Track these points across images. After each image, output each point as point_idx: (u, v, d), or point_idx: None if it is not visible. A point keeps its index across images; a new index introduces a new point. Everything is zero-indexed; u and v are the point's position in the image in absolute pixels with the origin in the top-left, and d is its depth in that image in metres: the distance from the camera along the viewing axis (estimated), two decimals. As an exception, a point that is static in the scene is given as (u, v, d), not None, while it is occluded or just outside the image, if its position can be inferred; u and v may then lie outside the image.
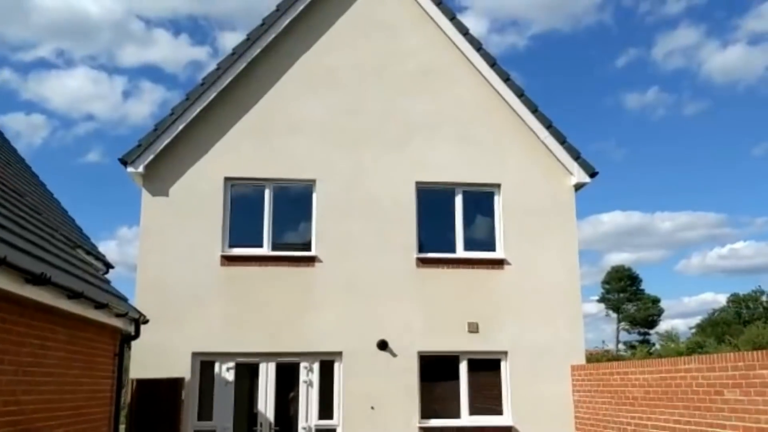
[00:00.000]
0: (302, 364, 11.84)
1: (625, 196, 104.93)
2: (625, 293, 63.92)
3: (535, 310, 12.27)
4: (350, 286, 12.04)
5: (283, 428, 11.70)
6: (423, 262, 12.33)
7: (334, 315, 11.91)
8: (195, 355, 11.55)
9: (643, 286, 65.81)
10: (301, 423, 11.64)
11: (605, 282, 66.46)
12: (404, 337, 11.96)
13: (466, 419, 11.89)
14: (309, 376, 11.81)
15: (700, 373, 8.18)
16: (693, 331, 61.31)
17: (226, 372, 11.66)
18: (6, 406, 5.97)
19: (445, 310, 12.15)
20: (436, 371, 12.17)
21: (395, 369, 11.82)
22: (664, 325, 63.87)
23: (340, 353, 11.85)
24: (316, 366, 11.87)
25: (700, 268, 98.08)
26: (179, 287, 11.69)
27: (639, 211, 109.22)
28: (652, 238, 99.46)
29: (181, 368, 11.33)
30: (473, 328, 12.11)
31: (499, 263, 12.46)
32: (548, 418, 11.73)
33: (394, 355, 11.90)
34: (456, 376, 12.11)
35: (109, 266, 14.90)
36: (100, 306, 7.76)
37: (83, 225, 18.08)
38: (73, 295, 6.87)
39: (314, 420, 11.67)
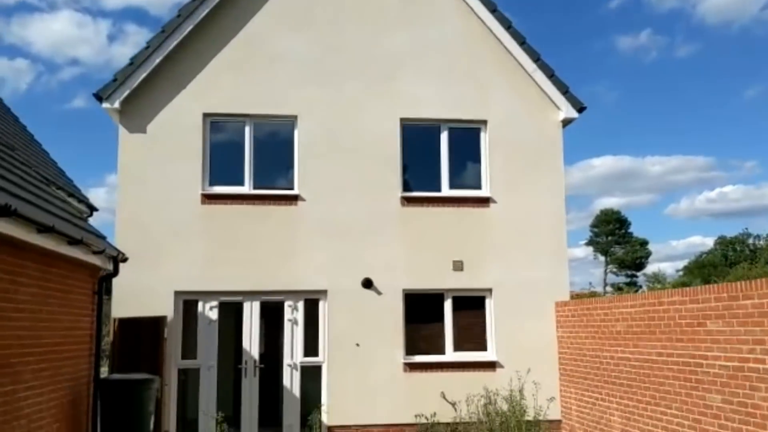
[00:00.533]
0: (287, 303, 11.78)
1: (616, 141, 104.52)
2: (614, 236, 64.28)
3: (521, 247, 12.20)
4: (334, 225, 11.90)
5: (268, 365, 11.71)
6: (408, 201, 12.17)
7: (319, 253, 11.80)
8: (177, 294, 11.45)
9: (631, 229, 66.38)
10: (286, 360, 11.64)
11: (594, 225, 66.85)
12: (389, 275, 11.89)
13: (450, 355, 11.93)
14: (294, 315, 11.76)
15: (684, 305, 8.14)
16: (680, 273, 62.06)
17: (209, 311, 11.59)
18: (-25, 340, 5.83)
19: (430, 249, 12.06)
20: (421, 309, 12.14)
21: (380, 307, 11.79)
22: (651, 268, 64.64)
23: (324, 291, 11.79)
24: (300, 304, 11.81)
25: (688, 211, 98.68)
26: (159, 226, 11.52)
27: (630, 155, 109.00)
28: (641, 182, 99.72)
29: (164, 307, 11.24)
30: (458, 267, 12.05)
31: (484, 201, 12.32)
32: (532, 353, 11.78)
33: (379, 293, 11.85)
34: (441, 314, 12.10)
35: (92, 209, 14.64)
36: (74, 242, 7.58)
37: (71, 173, 17.74)
38: (43, 229, 6.67)
39: (299, 357, 11.67)
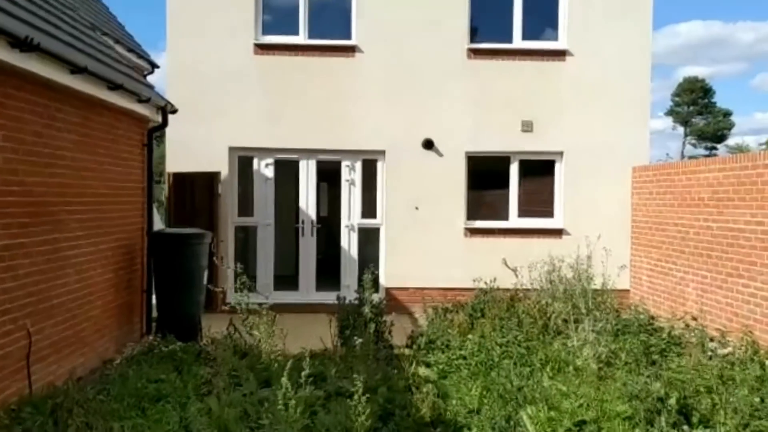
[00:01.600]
0: (344, 163, 11.29)
1: (706, 3, 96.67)
2: (696, 106, 60.50)
3: (598, 107, 11.19)
4: (394, 79, 11.12)
5: (325, 226, 11.44)
6: (475, 53, 11.19)
7: (377, 110, 11.12)
8: (232, 149, 11.09)
9: (715, 99, 62.41)
10: (344, 221, 11.32)
11: (675, 95, 63.00)
12: (452, 135, 11.17)
13: (514, 221, 11.36)
14: (351, 175, 11.30)
15: (783, 169, 7.22)
16: (764, 147, 58.69)
17: (265, 168, 11.23)
18: (8, 185, 5.55)
19: (497, 107, 11.20)
20: (485, 173, 11.48)
21: (441, 169, 11.17)
22: (732, 141, 61.21)
23: (383, 152, 11.21)
24: (358, 165, 11.30)
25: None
26: (211, 78, 10.99)
27: (720, 20, 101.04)
28: (731, 50, 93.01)
29: (218, 164, 10.94)
30: (527, 127, 11.20)
31: (560, 54, 11.21)
32: (602, 221, 11.07)
33: (440, 154, 11.19)
34: (506, 179, 11.42)
35: (153, 65, 14.15)
36: (114, 87, 7.13)
37: (141, 36, 17.01)
38: (76, 69, 6.20)
39: (357, 219, 11.32)
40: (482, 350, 7.15)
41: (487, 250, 11.15)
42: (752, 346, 6.93)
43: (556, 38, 11.28)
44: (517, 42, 11.25)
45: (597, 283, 9.90)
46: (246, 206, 11.30)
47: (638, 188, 10.90)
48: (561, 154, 11.27)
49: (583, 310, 7.27)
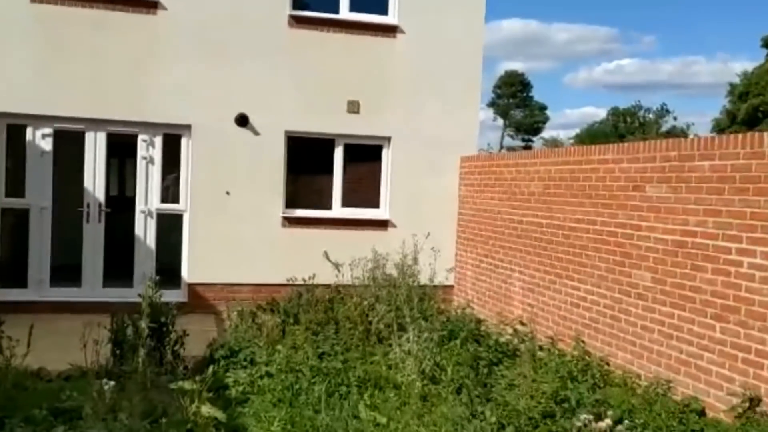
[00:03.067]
0: (141, 137, 9.62)
1: (525, 3, 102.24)
2: (515, 99, 63.65)
3: (428, 90, 10.43)
4: (204, 44, 9.63)
5: (117, 211, 9.72)
6: (298, 22, 9.97)
7: (183, 79, 9.57)
8: (-2, 116, 9.06)
9: (533, 93, 66.15)
10: (139, 206, 9.67)
11: (497, 87, 65.88)
12: (270, 112, 9.90)
13: (338, 211, 10.35)
14: (149, 152, 9.67)
15: (618, 165, 6.76)
16: (572, 141, 62.93)
17: (41, 140, 9.28)
18: None
19: (321, 84, 10.08)
20: (306, 156, 10.35)
21: (257, 150, 9.87)
22: (545, 134, 65.18)
23: (188, 126, 9.69)
24: (158, 140, 9.69)
25: (586, 82, 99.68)
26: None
27: (537, 19, 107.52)
28: (545, 49, 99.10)
29: (-20, 132, 8.86)
30: (354, 108, 10.20)
31: (391, 30, 10.30)
32: (429, 212, 10.38)
33: (256, 133, 9.89)
34: (329, 164, 10.35)
35: None
36: None
37: None
38: None
39: (155, 203, 9.72)
40: (291, 366, 6.04)
41: (307, 241, 10.05)
42: (584, 356, 6.43)
43: (386, 11, 10.34)
44: (345, 12, 10.18)
45: (423, 279, 9.18)
46: (16, 185, 9.29)
47: (466, 179, 10.32)
48: (389, 139, 10.41)
49: (407, 317, 6.38)
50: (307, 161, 10.35)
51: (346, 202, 10.40)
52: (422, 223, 10.24)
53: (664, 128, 63.09)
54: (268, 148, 9.91)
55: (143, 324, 5.50)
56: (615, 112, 67.52)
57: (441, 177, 10.45)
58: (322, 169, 10.36)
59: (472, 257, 9.97)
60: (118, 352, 5.85)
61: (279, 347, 6.62)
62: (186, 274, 9.79)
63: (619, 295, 6.63)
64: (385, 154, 10.47)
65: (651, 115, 67.01)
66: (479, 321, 8.00)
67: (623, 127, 64.60)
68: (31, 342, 5.81)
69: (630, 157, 6.61)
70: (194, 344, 7.41)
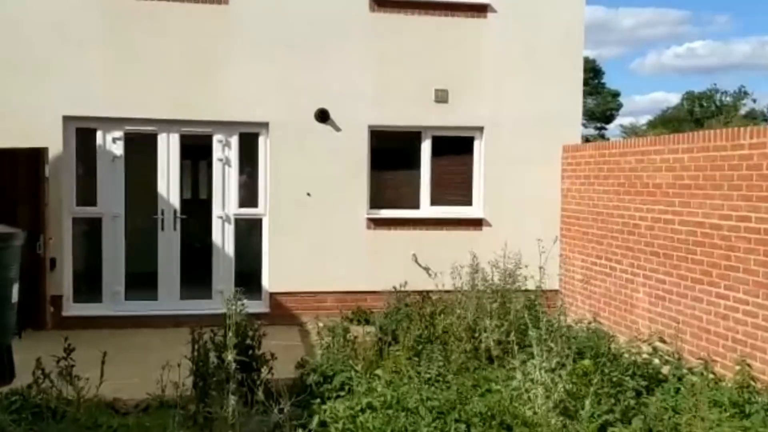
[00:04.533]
0: (215, 137, 8.95)
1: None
2: (587, 86, 61.17)
3: (524, 74, 9.40)
4: (279, 36, 8.87)
5: (193, 217, 9.09)
6: (379, 4, 9.09)
7: (258, 73, 8.85)
8: (68, 119, 8.51)
9: (604, 80, 63.56)
10: (216, 211, 8.99)
11: (567, 75, 63.25)
12: (351, 105, 9.07)
13: (426, 210, 9.44)
14: (225, 153, 8.98)
15: (781, 150, 5.60)
16: (644, 128, 60.11)
17: (112, 144, 8.72)
18: None
19: (405, 72, 9.18)
20: (391, 151, 9.51)
21: (338, 147, 9.07)
22: (619, 122, 62.55)
23: (265, 124, 8.96)
24: (234, 140, 8.99)
25: (654, 66, 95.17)
26: (37, 25, 8.35)
27: (603, 5, 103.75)
28: (612, 34, 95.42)
29: (50, 137, 8.33)
30: (441, 97, 9.26)
31: (481, 9, 9.30)
32: (528, 209, 9.36)
33: (337, 129, 9.08)
34: (416, 158, 9.45)
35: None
36: None
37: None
38: None
39: (233, 208, 9.03)
40: (397, 397, 5.17)
41: (394, 244, 9.21)
42: (749, 381, 5.33)
43: (476, -11, 9.37)
44: (431, -10, 9.26)
45: (529, 284, 8.17)
46: (88, 193, 8.75)
47: (570, 171, 9.24)
48: (481, 129, 9.42)
49: (531, 333, 5.39)
50: (392, 157, 9.50)
51: (436, 201, 9.48)
52: (520, 220, 9.27)
53: (742, 111, 59.71)
54: (351, 145, 9.09)
55: (230, 357, 4.70)
56: (689, 97, 64.27)
57: (541, 169, 9.40)
58: (408, 165, 9.48)
59: (581, 259, 8.90)
60: (201, 384, 5.09)
61: (378, 371, 5.76)
62: (267, 282, 9.07)
63: (787, 306, 5.49)
64: (477, 146, 9.49)
65: (728, 98, 63.59)
66: (608, 338, 6.91)
67: (699, 111, 61.37)
68: (105, 361, 5.17)
69: (797, 140, 5.44)
70: (280, 362, 6.66)
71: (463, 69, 9.30)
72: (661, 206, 7.18)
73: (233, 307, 5.55)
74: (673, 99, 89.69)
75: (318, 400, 5.42)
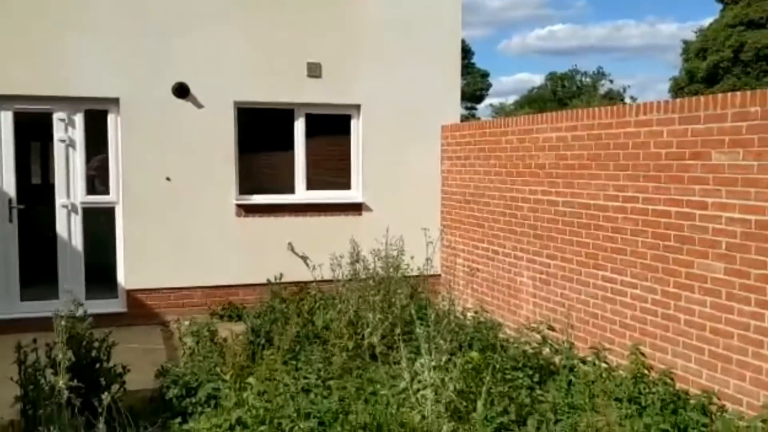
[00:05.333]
0: (56, 115, 7.82)
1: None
2: (458, 66, 62.06)
3: (402, 47, 8.90)
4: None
5: (32, 206, 7.92)
6: (244, -31, 8.29)
7: (106, 42, 7.81)
8: None
9: (474, 60, 64.98)
10: (60, 199, 7.89)
11: (438, 56, 64.02)
12: (215, 79, 8.22)
13: (302, 195, 8.77)
14: (69, 133, 7.88)
15: (667, 127, 5.41)
16: (512, 108, 62.10)
17: (-73, 123, 7.40)
18: None
19: (275, 43, 8.44)
20: (261, 132, 8.74)
21: (202, 126, 8.20)
22: (486, 102, 64.18)
23: (115, 100, 7.93)
24: (78, 118, 7.90)
25: (519, 48, 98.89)
26: None
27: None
28: (480, 16, 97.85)
29: None
30: (315, 71, 8.60)
31: (355, -22, 8.72)
32: (409, 192, 8.93)
33: (199, 105, 8.20)
34: (290, 139, 8.74)
35: None
36: None
37: None
38: None
39: (80, 195, 7.96)
40: (271, 412, 4.53)
41: (268, 233, 8.50)
42: (642, 369, 5.12)
43: (350, -44, 8.74)
44: (301, -43, 8.53)
45: (412, 270, 7.75)
46: None
47: (451, 152, 8.87)
48: (358, 108, 8.85)
49: (419, 333, 4.91)
50: (263, 137, 8.74)
51: (312, 185, 8.83)
52: (402, 204, 8.83)
53: (601, 91, 63.25)
54: (215, 123, 8.25)
55: (61, 383, 3.85)
56: (553, 77, 67.09)
57: (421, 151, 8.99)
58: (282, 147, 8.76)
59: (462, 242, 8.58)
60: (31, 412, 4.21)
61: (250, 380, 5.08)
62: (123, 279, 8.10)
63: (676, 289, 5.33)
64: (355, 126, 8.92)
65: (588, 79, 67.02)
66: (495, 327, 6.58)
67: (561, 91, 64.33)
68: None
69: (684, 117, 5.26)
70: (138, 371, 5.86)
71: (339, 43, 8.67)
72: (544, 187, 6.93)
73: (69, 313, 4.69)
74: (537, 80, 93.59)
75: (179, 419, 4.69)
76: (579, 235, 6.41)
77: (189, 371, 5.43)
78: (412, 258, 7.55)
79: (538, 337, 6.05)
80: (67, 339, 4.76)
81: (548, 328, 6.12)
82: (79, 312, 4.89)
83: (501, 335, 6.35)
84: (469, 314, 7.89)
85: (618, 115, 5.95)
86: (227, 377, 5.10)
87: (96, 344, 4.92)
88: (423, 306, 6.59)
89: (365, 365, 5.58)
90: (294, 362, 5.41)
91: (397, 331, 5.64)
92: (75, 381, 4.61)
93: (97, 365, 4.90)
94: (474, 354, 5.42)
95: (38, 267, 7.94)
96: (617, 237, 5.94)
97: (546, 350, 5.83)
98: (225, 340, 6.16)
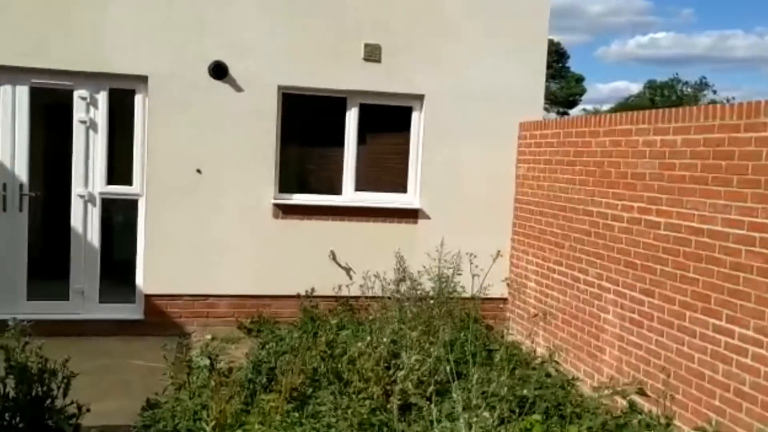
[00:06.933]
0: (77, 93, 6.93)
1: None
2: (551, 69, 59.72)
3: (478, 34, 7.59)
4: (164, -37, 6.89)
5: (45, 193, 7.07)
6: (296, -67, 7.18)
7: (137, 12, 6.87)
8: None
9: (569, 64, 62.46)
10: (77, 188, 7.00)
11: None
12: (256, 60, 7.15)
13: (349, 196, 7.59)
14: (90, 114, 6.98)
15: (827, 132, 3.89)
16: (610, 117, 59.18)
17: (-64, 96, 6.65)
18: None
19: (327, 21, 7.29)
20: (307, 121, 7.64)
21: (240, 112, 7.15)
22: (578, 109, 61.76)
23: (144, 78, 6.97)
24: (102, 97, 6.99)
25: (618, 55, 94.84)
26: None
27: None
28: (579, 21, 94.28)
29: None
30: (373, 54, 7.39)
31: (425, -54, 7.46)
32: (474, 200, 7.61)
33: (238, 88, 7.15)
34: (340, 132, 7.57)
35: None
36: None
37: None
38: None
39: (99, 185, 7.05)
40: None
41: (308, 238, 7.37)
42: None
43: None
44: None
45: (468, 290, 6.46)
46: None
47: (529, 154, 7.48)
48: (421, 98, 7.59)
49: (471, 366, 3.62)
50: (308, 128, 7.64)
51: (362, 185, 7.64)
52: (466, 214, 7.55)
53: (702, 102, 59.83)
54: (256, 110, 7.18)
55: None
56: (652, 86, 64.17)
57: (492, 152, 7.64)
58: (329, 140, 7.61)
59: (535, 263, 7.17)
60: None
61: (238, 435, 3.92)
62: (141, 282, 7.15)
63: (826, 358, 3.80)
64: (416, 120, 7.66)
65: (689, 89, 63.74)
66: (566, 381, 5.18)
67: (660, 101, 61.17)
68: None
69: None
70: (128, 397, 4.91)
71: (403, 23, 7.44)
72: (642, 203, 5.46)
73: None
74: (635, 89, 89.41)
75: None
76: (685, 269, 4.92)
77: (169, 413, 4.32)
78: (474, 276, 6.22)
79: (624, 403, 4.62)
80: (7, 367, 3.77)
81: (638, 392, 4.68)
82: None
83: (574, 391, 4.94)
84: (538, 350, 6.55)
85: (748, 115, 4.44)
86: (208, 430, 3.95)
87: (47, 375, 3.88)
88: (479, 338, 5.29)
89: (392, 422, 4.32)
90: (297, 414, 4.21)
91: (441, 371, 4.41)
92: (15, 420, 3.63)
93: (48, 402, 3.85)
94: (535, 419, 4.09)
95: (48, 262, 7.10)
96: (738, 276, 4.43)
97: (635, 421, 4.39)
98: (230, 370, 5.06)
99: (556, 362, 5.78)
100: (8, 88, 6.75)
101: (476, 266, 6.18)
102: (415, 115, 7.63)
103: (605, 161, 6.01)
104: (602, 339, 5.91)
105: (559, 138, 6.85)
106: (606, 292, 5.91)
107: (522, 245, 7.47)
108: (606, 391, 4.68)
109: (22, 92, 6.79)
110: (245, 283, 7.26)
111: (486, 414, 3.39)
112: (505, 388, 3.75)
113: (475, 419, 3.38)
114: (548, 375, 5.42)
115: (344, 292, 7.17)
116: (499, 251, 6.05)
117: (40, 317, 6.58)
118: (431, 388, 4.37)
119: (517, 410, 4.27)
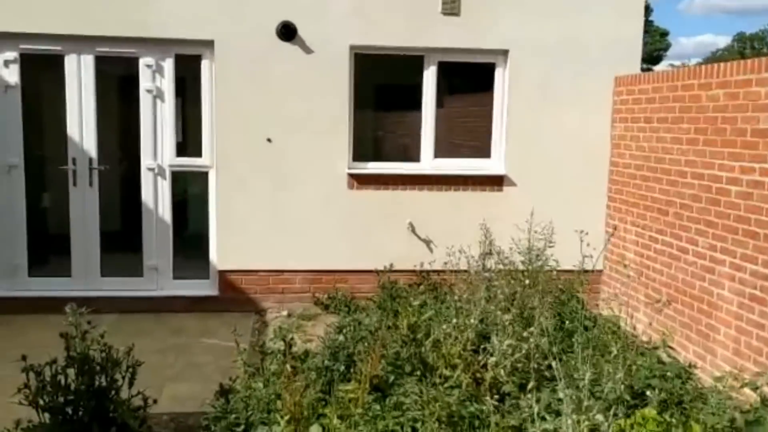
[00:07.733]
0: (143, 61, 6.65)
1: None
2: (634, 23, 57.05)
3: (565, -22, 6.89)
4: None
5: (115, 168, 6.88)
6: None
7: (199, -27, 6.51)
8: (-62, 36, 6.32)
9: (652, 18, 59.40)
10: (146, 161, 6.77)
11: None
12: (326, 19, 6.68)
13: (428, 164, 7.08)
14: (157, 82, 6.70)
15: None
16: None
17: (4, 68, 6.49)
18: None
19: (402, -26, 6.74)
20: (381, 84, 7.15)
21: (310, 76, 6.72)
22: (663, 65, 58.80)
23: (210, 43, 6.62)
24: (168, 64, 6.69)
25: (703, 8, 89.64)
26: None
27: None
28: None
29: None
30: (452, 7, 6.79)
31: None
32: (566, 164, 6.98)
33: (307, 50, 6.71)
34: (417, 94, 7.04)
35: None
36: None
37: None
38: None
39: (169, 157, 6.80)
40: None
41: (385, 209, 6.93)
42: None
43: None
44: None
45: (563, 263, 5.91)
46: (-25, 134, 6.61)
47: (626, 112, 6.77)
48: (505, 54, 6.96)
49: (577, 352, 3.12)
50: (383, 91, 7.18)
51: (442, 152, 7.11)
52: (556, 179, 6.94)
53: (794, 54, 56.06)
54: (327, 73, 6.73)
55: None
56: (741, 38, 60.46)
57: (584, 110, 6.96)
58: (405, 103, 7.10)
59: (635, 232, 6.51)
60: None
61: (313, 429, 3.55)
62: (215, 257, 6.89)
63: None
64: (500, 77, 7.04)
65: (782, 41, 60.04)
66: (681, 369, 4.59)
67: (750, 54, 57.62)
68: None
69: None
70: (201, 380, 4.68)
71: (482, -29, 6.81)
72: (764, 164, 4.75)
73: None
74: (721, 42, 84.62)
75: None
76: (824, 240, 4.22)
77: (243, 401, 3.99)
78: (568, 248, 5.65)
79: (753, 395, 4.01)
80: (67, 357, 3.51)
81: (770, 383, 4.06)
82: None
83: (690, 382, 4.35)
84: (638, 326, 5.95)
85: None
86: (282, 423, 3.60)
87: (110, 364, 3.60)
88: (576, 316, 4.75)
89: (483, 414, 3.86)
90: (379, 406, 3.80)
91: (537, 357, 3.93)
92: (78, 414, 3.38)
93: (112, 394, 3.58)
94: (650, 413, 3.55)
95: (121, 238, 6.93)
96: None
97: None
98: (306, 353, 4.72)
99: (670, 347, 5.17)
100: (74, 57, 6.53)
101: (574, 237, 5.59)
102: (498, 73, 7.02)
103: (719, 117, 5.29)
104: (716, 317, 5.26)
105: (662, 93, 6.12)
106: (720, 264, 5.23)
107: (619, 212, 6.81)
108: (734, 382, 4.07)
109: (88, 62, 6.56)
110: (320, 258, 6.91)
111: (600, 417, 2.90)
112: (622, 386, 3.22)
113: (586, 422, 2.89)
114: (660, 361, 4.82)
115: (425, 267, 6.73)
116: (615, 227, 5.43)
117: (115, 294, 6.51)
118: (532, 380, 3.87)
119: (626, 400, 3.74)
